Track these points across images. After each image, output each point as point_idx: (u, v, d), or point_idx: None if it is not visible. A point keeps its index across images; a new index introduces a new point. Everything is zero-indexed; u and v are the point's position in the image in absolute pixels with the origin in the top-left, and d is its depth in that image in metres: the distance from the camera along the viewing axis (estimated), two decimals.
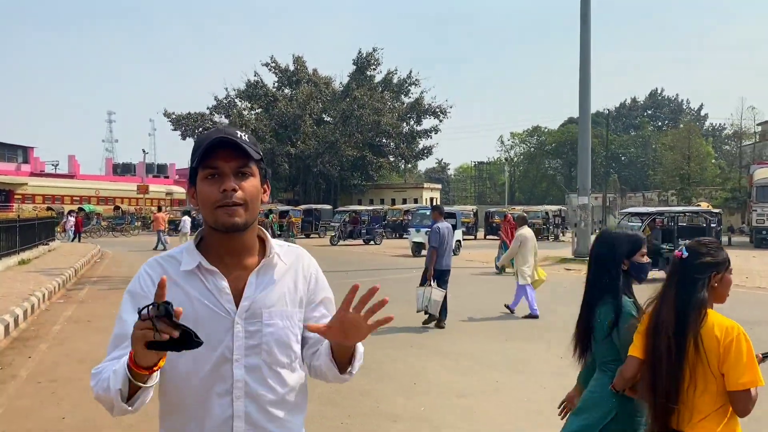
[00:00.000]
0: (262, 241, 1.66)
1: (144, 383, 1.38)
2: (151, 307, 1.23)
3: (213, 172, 1.51)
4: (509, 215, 18.71)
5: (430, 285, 9.03)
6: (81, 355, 7.32)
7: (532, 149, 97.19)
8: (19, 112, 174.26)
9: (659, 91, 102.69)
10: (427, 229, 23.50)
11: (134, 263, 20.30)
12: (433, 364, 7.13)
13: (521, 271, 10.23)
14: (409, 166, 69.85)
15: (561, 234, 37.80)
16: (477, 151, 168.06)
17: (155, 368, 1.34)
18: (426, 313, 9.12)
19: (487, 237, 36.17)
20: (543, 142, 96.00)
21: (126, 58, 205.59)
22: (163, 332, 1.22)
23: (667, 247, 15.55)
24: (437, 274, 9.23)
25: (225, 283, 1.55)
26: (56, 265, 16.38)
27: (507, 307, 10.50)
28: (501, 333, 8.89)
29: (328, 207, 41.79)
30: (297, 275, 1.66)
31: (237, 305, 1.55)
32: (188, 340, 1.25)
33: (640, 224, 15.75)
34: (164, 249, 26.28)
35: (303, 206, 39.82)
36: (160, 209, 33.78)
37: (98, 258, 21.81)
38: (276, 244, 1.66)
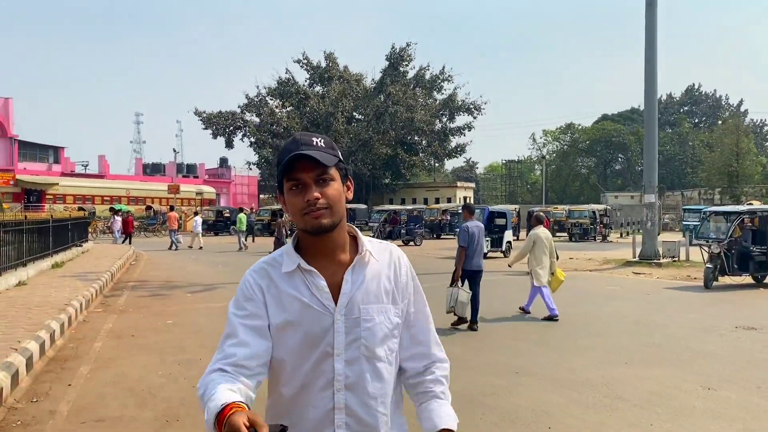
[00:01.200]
0: (354, 239, 1.70)
1: None
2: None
3: (296, 183, 1.59)
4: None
5: (458, 286, 8.93)
6: (130, 382, 6.15)
7: (566, 147, 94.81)
8: (48, 113, 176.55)
9: (696, 87, 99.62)
10: None
11: (171, 265, 19.32)
12: (554, 396, 5.80)
13: (535, 273, 10.14)
14: (440, 164, 68.44)
15: (608, 234, 35.90)
16: (505, 150, 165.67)
17: None
18: (454, 314, 8.96)
19: None
20: (576, 139, 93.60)
21: (153, 58, 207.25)
22: None
23: (759, 249, 14.00)
24: (467, 275, 9.11)
25: (323, 282, 1.62)
26: (91, 269, 15.38)
27: (521, 309, 10.44)
28: (612, 354, 7.52)
29: (363, 206, 40.66)
30: (389, 271, 1.70)
31: (335, 301, 1.61)
32: None
33: (728, 224, 14.19)
34: (176, 249, 25.54)
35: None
36: (172, 208, 33.06)
37: (133, 260, 20.85)
38: (367, 241, 1.70)
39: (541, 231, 10.47)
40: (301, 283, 1.62)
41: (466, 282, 9.16)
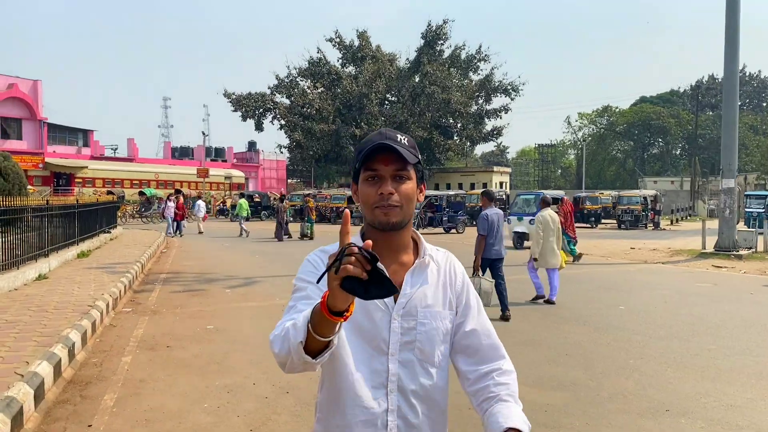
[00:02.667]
0: (415, 243, 1.71)
1: (328, 337, 1.34)
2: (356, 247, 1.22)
3: (373, 174, 1.58)
4: (566, 198, 17.46)
5: (479, 275, 8.60)
6: (167, 421, 4.68)
7: (602, 130, 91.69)
8: (76, 97, 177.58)
9: (741, 68, 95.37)
10: (531, 217, 20.48)
11: (205, 254, 17.98)
12: None
13: (541, 255, 10.10)
14: (471, 148, 66.37)
15: (660, 222, 33.73)
16: (537, 134, 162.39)
17: (346, 315, 1.30)
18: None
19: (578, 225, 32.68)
20: (614, 123, 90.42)
21: (180, 41, 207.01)
22: (363, 267, 1.21)
23: None
24: (488, 263, 8.83)
25: None
26: (120, 259, 14.06)
27: (546, 301, 9.97)
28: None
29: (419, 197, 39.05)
30: (446, 277, 1.70)
31: (394, 301, 1.61)
32: (382, 285, 1.21)
33: None
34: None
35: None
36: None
37: (164, 248, 19.58)
38: (428, 246, 1.70)
39: (548, 213, 10.34)
40: None
41: (488, 271, 8.86)
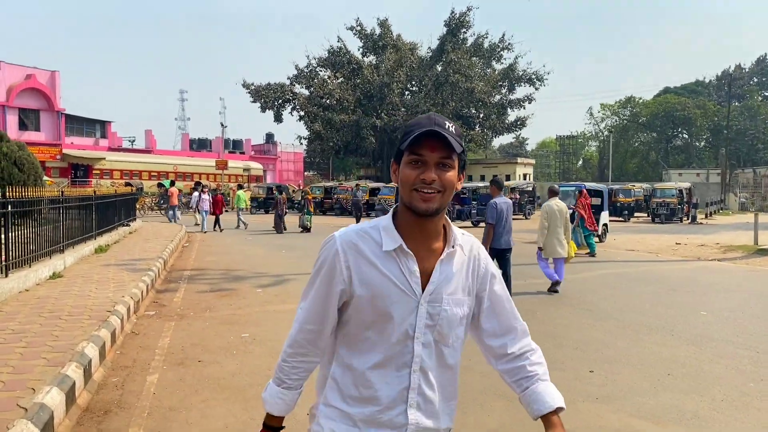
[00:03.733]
0: (444, 229, 1.71)
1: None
2: None
3: (418, 159, 1.59)
4: (584, 190, 17.10)
5: None
6: None
7: (625, 122, 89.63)
8: (94, 89, 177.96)
9: (765, 57, 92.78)
10: (570, 211, 19.30)
11: (229, 249, 17.03)
12: None
13: (546, 245, 10.08)
14: (489, 139, 64.93)
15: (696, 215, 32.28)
16: (556, 125, 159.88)
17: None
18: None
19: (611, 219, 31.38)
20: (637, 114, 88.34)
21: (197, 33, 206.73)
22: None
23: None
24: (496, 254, 8.62)
25: (416, 267, 1.64)
26: (140, 254, 13.14)
27: (551, 290, 9.92)
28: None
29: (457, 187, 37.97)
30: (470, 264, 1.74)
31: (423, 286, 1.64)
32: None
33: None
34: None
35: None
36: (173, 183, 31.00)
37: (186, 242, 18.68)
38: (457, 233, 1.72)
39: (555, 203, 10.23)
40: (394, 262, 1.62)
41: (495, 261, 8.47)
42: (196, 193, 27.33)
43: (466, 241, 1.73)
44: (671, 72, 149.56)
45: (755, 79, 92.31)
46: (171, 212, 26.94)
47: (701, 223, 30.74)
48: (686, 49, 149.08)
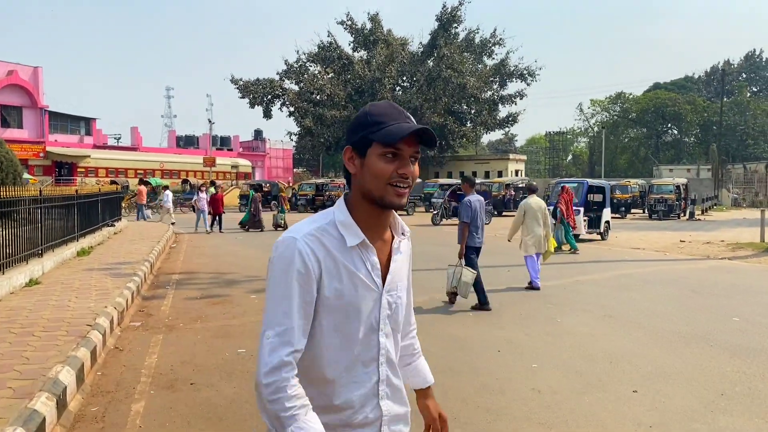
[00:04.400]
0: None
1: None
2: None
3: (394, 152, 1.55)
4: (567, 187, 17.03)
5: (461, 264, 8.38)
6: None
7: (615, 117, 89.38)
8: (78, 86, 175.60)
9: (757, 53, 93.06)
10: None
11: (218, 249, 16.29)
12: None
13: (523, 242, 10.12)
14: (482, 135, 64.37)
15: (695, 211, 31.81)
16: (546, 122, 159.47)
17: None
18: (453, 294, 8.52)
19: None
20: (627, 109, 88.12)
21: (184, 29, 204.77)
22: None
23: None
24: (473, 252, 8.54)
25: (377, 259, 1.62)
26: (125, 257, 12.36)
27: (529, 286, 10.03)
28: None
29: (418, 180, 37.33)
30: (409, 251, 1.78)
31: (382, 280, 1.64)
32: None
33: None
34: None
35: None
36: (142, 182, 30.30)
37: (173, 242, 17.89)
38: (401, 220, 1.72)
39: (533, 200, 10.26)
40: (357, 257, 1.59)
41: (471, 261, 8.49)
42: (167, 191, 26.53)
43: (407, 229, 1.74)
44: (660, 68, 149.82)
45: (744, 75, 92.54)
46: (140, 211, 26.09)
47: (699, 220, 30.33)
48: (675, 44, 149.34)
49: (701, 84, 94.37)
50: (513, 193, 33.22)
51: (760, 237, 18.33)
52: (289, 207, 24.43)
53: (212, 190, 24.31)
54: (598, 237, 19.52)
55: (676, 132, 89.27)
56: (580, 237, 19.14)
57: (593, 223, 19.28)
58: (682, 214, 31.42)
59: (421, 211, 36.66)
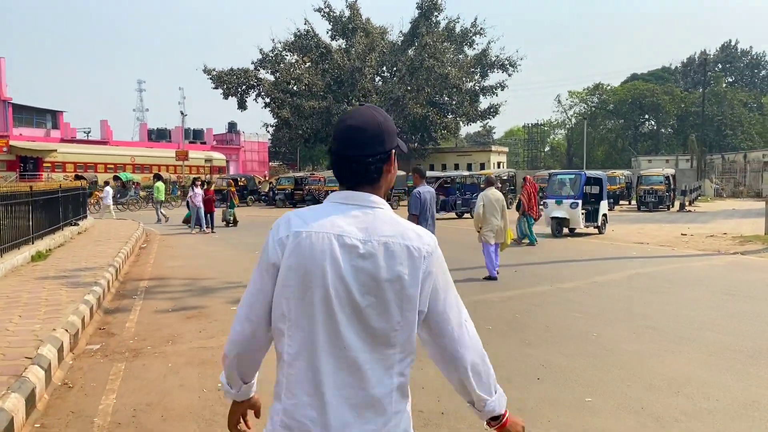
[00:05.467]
0: None
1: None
2: None
3: None
4: (529, 178, 16.98)
5: None
6: None
7: (594, 109, 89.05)
8: (46, 81, 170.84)
9: (732, 44, 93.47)
10: (572, 201, 17.72)
11: (193, 249, 14.91)
12: None
13: (484, 232, 10.20)
14: (461, 127, 63.29)
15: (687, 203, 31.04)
16: (522, 114, 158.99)
17: None
18: None
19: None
20: (606, 101, 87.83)
21: (155, 20, 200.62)
22: None
23: None
24: None
25: None
26: (87, 261, 10.99)
27: (488, 278, 10.14)
28: None
29: (402, 173, 36.00)
30: None
31: None
32: None
33: None
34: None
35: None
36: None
37: (144, 242, 16.48)
38: None
39: (491, 192, 10.43)
40: None
41: None
42: (108, 188, 25.41)
43: None
44: (637, 59, 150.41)
45: (719, 66, 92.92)
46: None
47: (690, 211, 29.62)
48: (652, 35, 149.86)
49: (678, 75, 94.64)
50: (499, 185, 32.17)
51: (765, 230, 17.52)
52: (238, 202, 23.41)
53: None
54: (596, 231, 18.56)
55: (653, 123, 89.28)
56: (578, 231, 18.25)
57: (590, 216, 18.30)
58: (671, 206, 30.71)
59: (404, 205, 35.52)
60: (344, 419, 1.54)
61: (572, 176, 18.43)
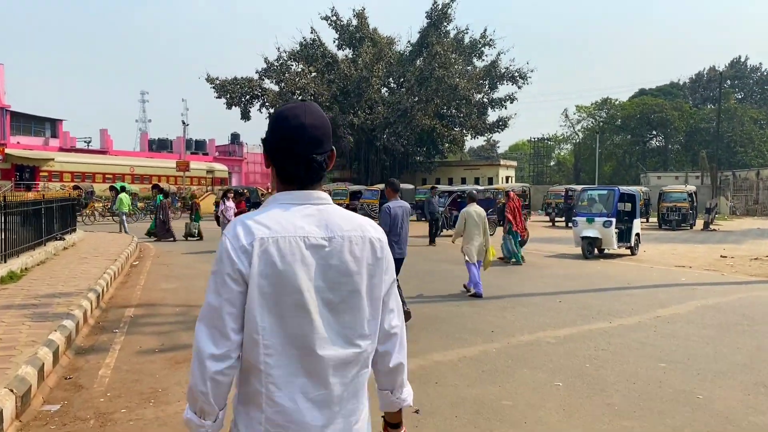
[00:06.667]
0: None
1: None
2: None
3: None
4: (512, 193, 16.10)
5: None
6: None
7: (602, 123, 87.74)
8: (52, 89, 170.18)
9: (742, 60, 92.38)
10: (605, 218, 16.26)
11: (189, 268, 13.41)
12: None
13: (466, 250, 10.02)
14: (464, 140, 61.98)
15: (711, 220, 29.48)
16: (527, 128, 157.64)
17: None
18: None
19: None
20: (614, 116, 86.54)
21: (158, 30, 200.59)
22: None
23: None
24: None
25: None
26: (65, 284, 9.51)
27: (473, 295, 9.84)
28: None
29: (410, 186, 34.60)
30: None
31: None
32: None
33: None
34: None
35: (381, 185, 32.66)
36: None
37: (136, 259, 15.01)
38: None
39: (473, 208, 10.28)
40: None
41: None
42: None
43: None
44: (645, 74, 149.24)
45: (729, 82, 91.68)
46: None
47: (714, 230, 28.11)
48: (659, 50, 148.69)
49: (686, 90, 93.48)
50: (509, 199, 30.74)
51: None
52: (202, 214, 22.31)
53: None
54: (627, 251, 17.10)
55: (662, 139, 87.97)
56: (609, 251, 16.77)
57: (623, 236, 16.80)
58: (696, 223, 29.21)
59: (413, 220, 34.08)
60: (327, 419, 1.58)
61: (605, 192, 16.98)
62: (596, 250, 16.48)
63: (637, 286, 11.35)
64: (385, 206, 7.64)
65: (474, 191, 11.62)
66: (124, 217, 22.06)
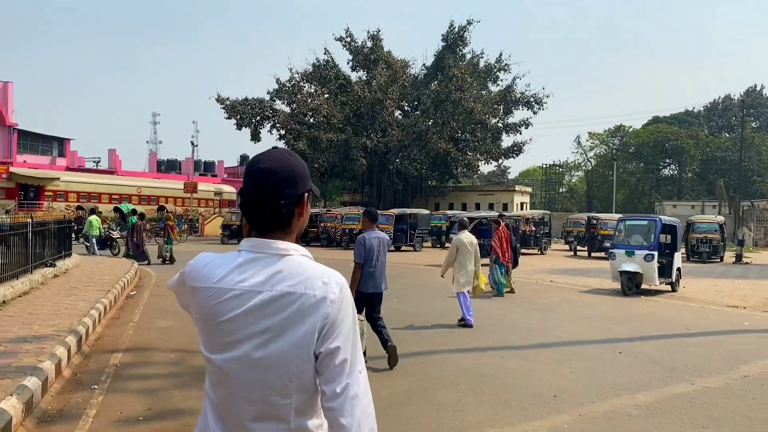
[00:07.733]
0: None
1: None
2: None
3: None
4: (502, 222, 15.20)
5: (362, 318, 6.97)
6: None
7: (615, 151, 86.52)
8: (63, 110, 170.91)
9: (758, 89, 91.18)
10: (646, 252, 14.85)
11: None
12: None
13: (456, 279, 9.84)
14: (480, 164, 60.73)
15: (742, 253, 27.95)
16: (537, 153, 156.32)
17: None
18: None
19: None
20: (627, 143, 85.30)
21: (169, 52, 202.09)
22: None
23: None
24: (363, 298, 7.03)
25: None
26: (42, 323, 8.18)
27: (464, 324, 9.65)
28: None
29: (425, 212, 33.24)
30: None
31: None
32: None
33: None
34: None
35: (396, 210, 31.31)
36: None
37: (134, 287, 13.71)
38: None
39: (465, 236, 9.99)
40: None
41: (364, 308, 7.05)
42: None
43: None
44: (660, 101, 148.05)
45: (744, 110, 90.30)
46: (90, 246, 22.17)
47: (747, 263, 26.58)
48: (675, 78, 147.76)
49: (701, 118, 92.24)
50: (533, 228, 29.39)
51: None
52: (177, 237, 21.37)
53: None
54: (668, 287, 15.68)
55: (676, 167, 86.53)
56: (651, 287, 15.35)
57: (663, 271, 15.38)
58: (727, 255, 27.69)
59: (428, 247, 32.71)
60: None
61: (645, 222, 15.57)
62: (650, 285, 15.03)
63: (698, 333, 9.92)
64: (360, 237, 7.15)
65: (465, 219, 11.07)
66: (93, 240, 21.13)
